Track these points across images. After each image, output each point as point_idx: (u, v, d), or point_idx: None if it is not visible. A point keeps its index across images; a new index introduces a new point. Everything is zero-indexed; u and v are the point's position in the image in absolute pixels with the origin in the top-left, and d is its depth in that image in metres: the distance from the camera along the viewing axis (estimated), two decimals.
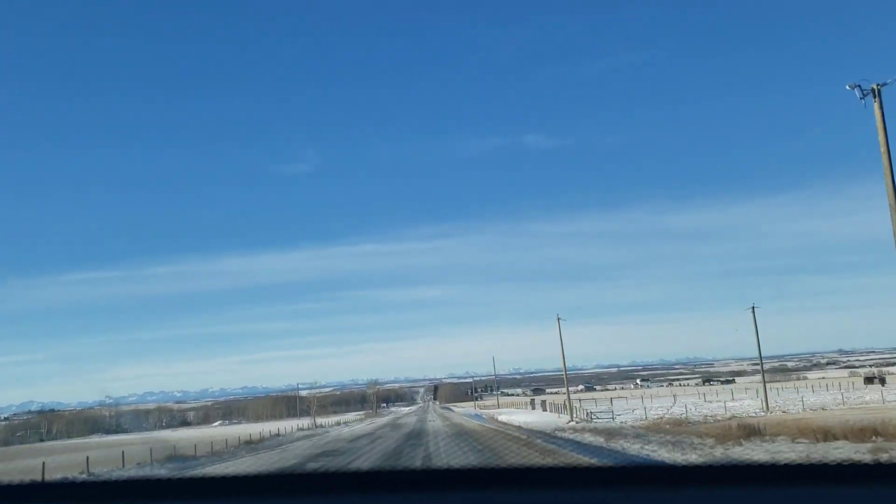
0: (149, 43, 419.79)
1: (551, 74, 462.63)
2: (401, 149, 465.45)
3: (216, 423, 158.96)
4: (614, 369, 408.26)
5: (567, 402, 45.84)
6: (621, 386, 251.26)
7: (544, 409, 65.18)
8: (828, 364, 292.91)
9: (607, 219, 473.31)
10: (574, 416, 45.98)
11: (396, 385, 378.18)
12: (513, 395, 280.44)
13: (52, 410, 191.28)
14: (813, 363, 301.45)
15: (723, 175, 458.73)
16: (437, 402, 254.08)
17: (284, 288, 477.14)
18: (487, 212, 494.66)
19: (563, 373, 45.11)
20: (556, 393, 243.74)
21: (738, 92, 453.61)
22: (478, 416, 64.00)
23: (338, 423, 79.87)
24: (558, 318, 44.44)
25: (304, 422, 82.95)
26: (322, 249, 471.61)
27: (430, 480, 1.93)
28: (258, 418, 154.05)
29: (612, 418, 44.74)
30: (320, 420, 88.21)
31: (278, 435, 50.68)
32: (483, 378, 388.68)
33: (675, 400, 72.56)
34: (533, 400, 77.80)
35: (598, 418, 45.27)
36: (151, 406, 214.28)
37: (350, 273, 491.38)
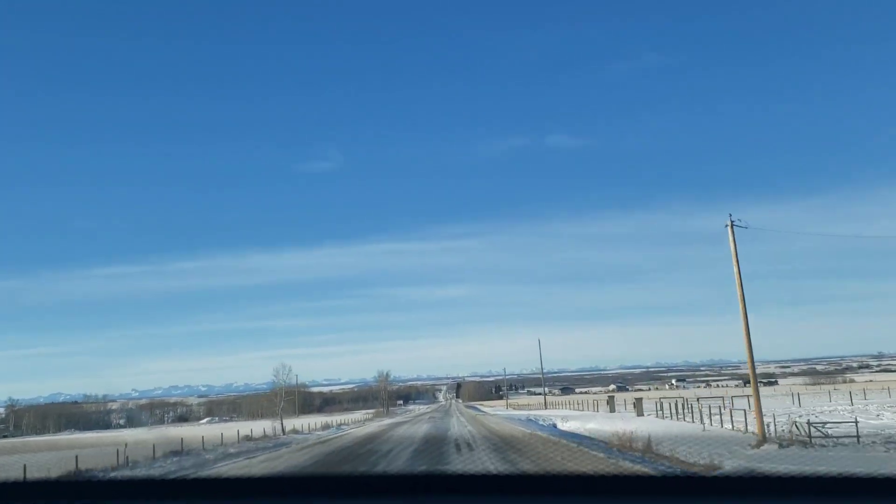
0: (179, 43, 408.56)
1: (575, 76, 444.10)
2: (424, 148, 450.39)
3: (204, 421, 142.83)
4: (639, 370, 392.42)
5: (755, 406, 21.94)
6: (655, 387, 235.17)
7: (639, 413, 40.95)
8: (860, 368, 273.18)
9: (631, 221, 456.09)
10: (767, 427, 21.97)
11: (419, 382, 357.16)
12: (539, 393, 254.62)
13: (75, 402, 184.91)
14: (844, 367, 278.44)
15: (749, 178, 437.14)
16: (461, 401, 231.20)
17: (308, 285, 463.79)
18: (510, 212, 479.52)
19: (749, 357, 21.41)
20: (585, 392, 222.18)
21: (763, 95, 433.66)
22: (533, 423, 40.31)
23: (325, 426, 56.91)
24: (731, 221, 20.89)
25: (296, 422, 61.22)
26: (345, 247, 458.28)
27: (446, 486, 1.81)
28: (253, 416, 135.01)
29: (856, 437, 21.04)
30: (302, 421, 65.88)
31: (181, 453, 27.78)
32: (507, 377, 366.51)
33: (833, 398, 48.34)
34: (611, 398, 53.81)
35: (822, 432, 21.58)
36: (144, 401, 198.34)
37: (373, 271, 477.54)
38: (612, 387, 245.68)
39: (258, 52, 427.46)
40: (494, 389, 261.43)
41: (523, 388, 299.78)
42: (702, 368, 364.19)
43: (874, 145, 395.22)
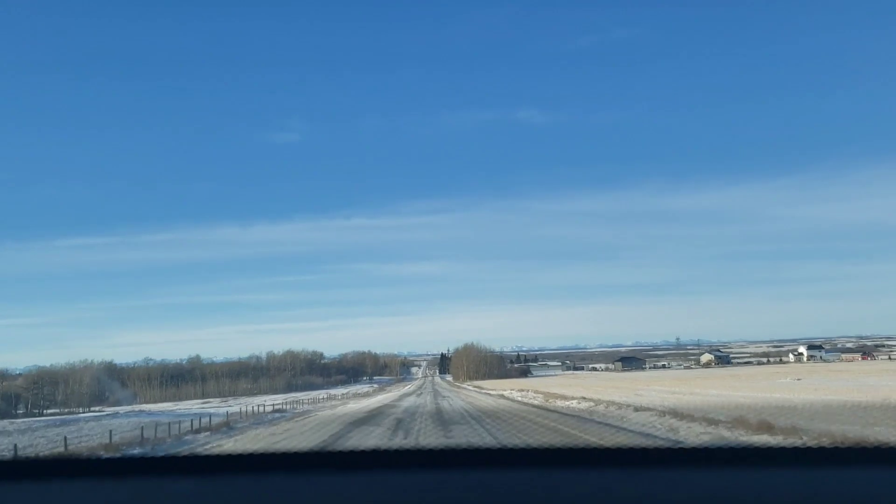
0: (142, 13, 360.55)
1: (544, 47, 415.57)
2: (392, 121, 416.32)
3: None
4: (623, 349, 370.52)
5: None
6: (779, 358, 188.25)
7: None
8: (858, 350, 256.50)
9: (608, 198, 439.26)
10: None
11: (400, 358, 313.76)
12: (581, 367, 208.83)
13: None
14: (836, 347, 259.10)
15: (722, 156, 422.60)
16: (451, 378, 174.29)
17: (283, 259, 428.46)
18: (484, 187, 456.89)
19: None
20: (663, 367, 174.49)
21: (740, 72, 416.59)
22: None
23: None
24: None
25: None
26: (317, 221, 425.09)
27: (431, 459, 1.86)
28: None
29: None
30: None
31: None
32: (494, 354, 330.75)
33: None
34: None
35: None
36: None
37: (347, 246, 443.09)
38: (710, 357, 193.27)
39: (221, 25, 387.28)
40: (508, 362, 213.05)
41: (535, 360, 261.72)
42: (689, 347, 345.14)
43: (856, 122, 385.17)
